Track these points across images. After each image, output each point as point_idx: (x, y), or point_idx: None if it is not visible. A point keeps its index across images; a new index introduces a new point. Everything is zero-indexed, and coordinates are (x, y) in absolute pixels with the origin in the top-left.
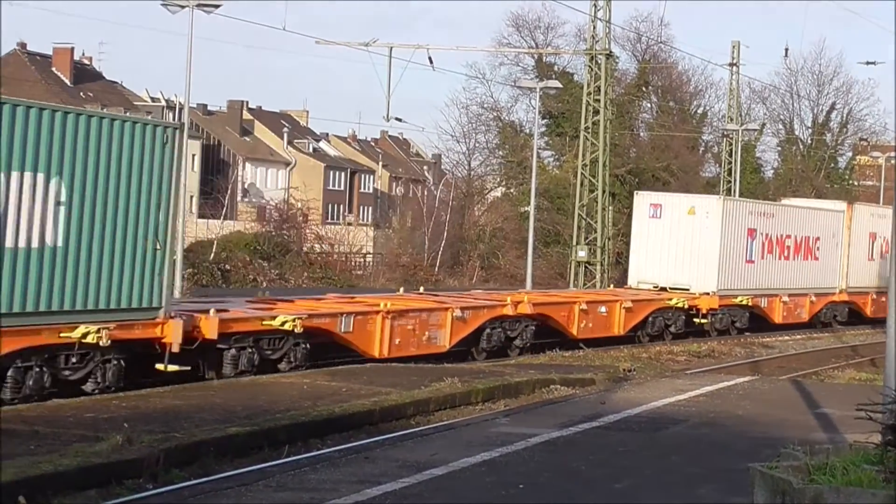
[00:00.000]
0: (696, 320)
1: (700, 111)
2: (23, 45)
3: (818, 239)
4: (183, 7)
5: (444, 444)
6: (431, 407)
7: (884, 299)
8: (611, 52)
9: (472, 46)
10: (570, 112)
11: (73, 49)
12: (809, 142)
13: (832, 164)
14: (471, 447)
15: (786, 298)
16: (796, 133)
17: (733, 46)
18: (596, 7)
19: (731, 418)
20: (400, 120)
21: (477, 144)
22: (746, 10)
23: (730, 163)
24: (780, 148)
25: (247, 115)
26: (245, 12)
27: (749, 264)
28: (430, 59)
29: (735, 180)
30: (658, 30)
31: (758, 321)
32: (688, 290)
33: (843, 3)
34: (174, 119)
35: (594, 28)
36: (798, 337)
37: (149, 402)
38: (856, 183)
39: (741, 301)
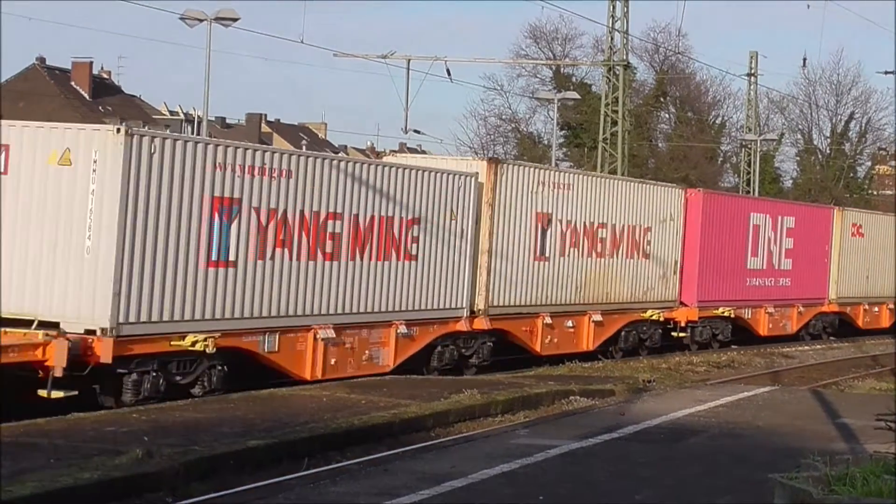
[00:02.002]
0: (45, 392)
1: (718, 121)
2: (42, 60)
3: (415, 222)
4: (201, 21)
5: (464, 456)
6: (451, 419)
7: (571, 324)
8: (629, 62)
9: (490, 58)
10: (589, 123)
11: (91, 63)
12: (828, 151)
13: (851, 174)
14: (490, 459)
15: (328, 333)
16: (815, 143)
17: (751, 57)
18: (613, 18)
19: (751, 429)
20: (418, 132)
21: (495, 155)
22: (764, 20)
23: (748, 173)
24: (798, 158)
25: (265, 128)
26: (263, 25)
27: (217, 269)
28: (447, 70)
29: (754, 190)
30: (675, 40)
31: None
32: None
33: (862, 12)
34: (193, 132)
35: (612, 39)
36: (818, 346)
37: (168, 415)
38: (875, 192)
39: (194, 344)
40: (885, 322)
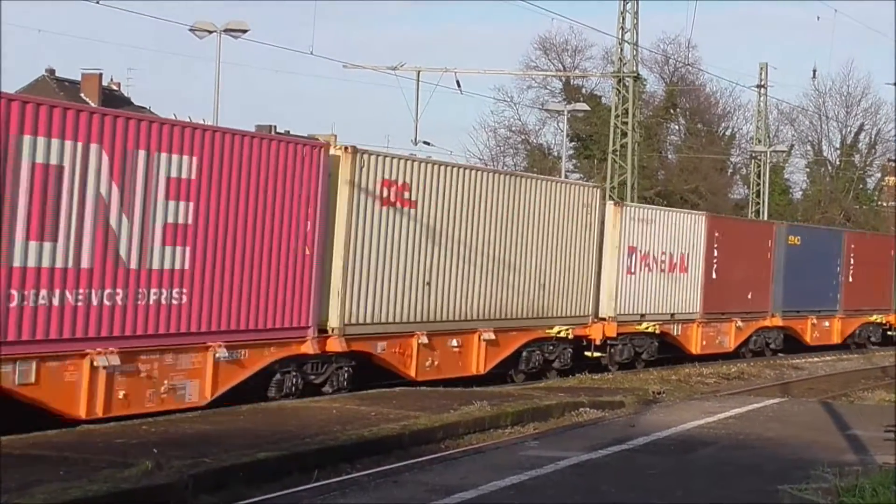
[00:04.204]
0: None
1: (728, 133)
2: (51, 72)
3: None
4: (210, 32)
5: (474, 468)
6: (461, 430)
7: None
8: (638, 74)
9: (500, 70)
10: (598, 134)
11: (101, 75)
12: (838, 163)
13: (861, 186)
14: (500, 470)
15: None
16: (825, 154)
17: (761, 68)
18: (623, 30)
19: (761, 440)
20: (428, 143)
21: (505, 167)
22: (774, 32)
23: (758, 184)
24: (808, 169)
25: None
26: (272, 37)
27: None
28: (457, 82)
29: (763, 202)
30: (685, 52)
31: None
32: None
33: (872, 24)
34: None
35: (621, 51)
36: (828, 358)
37: (178, 427)
38: (884, 204)
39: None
40: (477, 366)
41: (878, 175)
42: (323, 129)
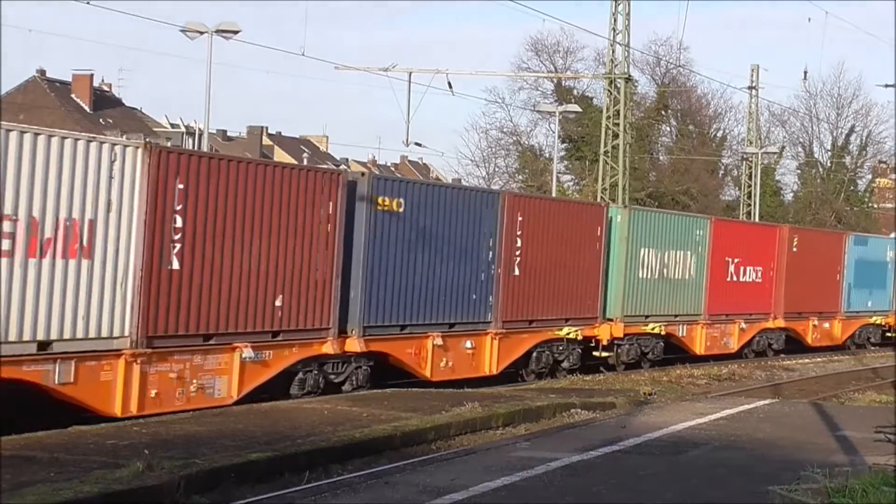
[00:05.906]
0: None
1: (719, 134)
2: (42, 72)
3: None
4: (202, 33)
5: (465, 469)
6: (452, 431)
7: None
8: (630, 75)
9: (492, 71)
10: (590, 136)
11: (92, 76)
12: (829, 164)
13: (852, 187)
14: (491, 472)
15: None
16: (816, 156)
17: (752, 70)
18: (615, 31)
19: (752, 441)
20: (420, 145)
21: (497, 169)
22: (765, 33)
23: (749, 186)
24: (799, 171)
25: (266, 141)
26: (264, 38)
27: None
28: (449, 84)
29: (755, 203)
30: (677, 53)
31: None
32: None
33: (863, 25)
34: (194, 146)
35: (613, 52)
36: (819, 360)
37: (169, 428)
38: (875, 205)
39: None
40: None
41: (869, 177)
42: (315, 131)
